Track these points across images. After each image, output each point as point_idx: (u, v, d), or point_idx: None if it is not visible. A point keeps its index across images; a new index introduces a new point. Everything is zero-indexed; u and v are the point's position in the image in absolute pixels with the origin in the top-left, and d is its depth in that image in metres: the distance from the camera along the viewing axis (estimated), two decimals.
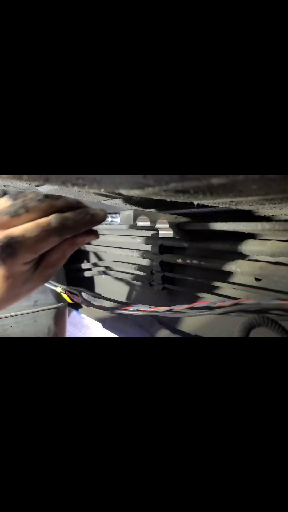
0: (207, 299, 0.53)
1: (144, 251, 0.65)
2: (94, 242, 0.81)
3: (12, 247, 0.29)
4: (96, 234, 0.37)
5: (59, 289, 0.63)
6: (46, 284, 0.67)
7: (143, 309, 0.49)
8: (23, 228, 0.30)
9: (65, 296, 0.63)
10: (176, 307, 0.47)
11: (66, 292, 0.61)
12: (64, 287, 0.62)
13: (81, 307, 0.91)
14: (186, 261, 0.55)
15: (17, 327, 0.69)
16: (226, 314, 0.42)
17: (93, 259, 0.89)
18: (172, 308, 0.47)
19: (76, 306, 0.90)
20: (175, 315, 0.47)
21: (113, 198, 0.42)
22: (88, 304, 0.55)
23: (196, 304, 0.45)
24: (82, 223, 0.33)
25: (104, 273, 0.82)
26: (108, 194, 0.40)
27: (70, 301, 0.65)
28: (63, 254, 0.35)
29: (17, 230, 0.30)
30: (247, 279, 0.48)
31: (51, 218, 0.31)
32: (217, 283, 0.52)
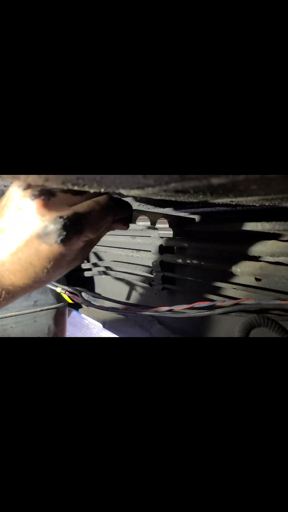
0: (207, 299, 0.53)
1: (144, 251, 0.65)
2: None
3: (81, 224, 0.28)
4: (128, 226, 0.37)
5: (59, 289, 0.63)
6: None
7: (143, 309, 0.49)
8: (86, 205, 0.30)
9: (65, 296, 0.63)
10: (176, 307, 0.47)
11: (66, 292, 0.61)
12: (64, 287, 0.62)
13: (81, 307, 0.91)
14: (186, 261, 0.55)
15: (17, 327, 0.69)
16: (226, 314, 0.42)
17: (93, 259, 0.89)
18: (172, 308, 0.47)
19: (76, 306, 0.90)
20: (175, 315, 0.47)
21: None
22: (88, 304, 0.55)
23: (196, 304, 0.45)
24: (128, 206, 0.33)
25: (104, 273, 0.82)
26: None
27: (70, 301, 0.65)
28: (101, 235, 0.35)
29: (82, 207, 0.29)
30: (247, 279, 0.48)
31: (107, 198, 0.31)
32: (217, 283, 0.52)
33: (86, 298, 0.59)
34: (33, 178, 0.26)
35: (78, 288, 0.63)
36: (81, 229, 0.28)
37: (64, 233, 0.27)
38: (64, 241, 0.28)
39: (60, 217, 0.27)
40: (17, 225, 0.28)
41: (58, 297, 0.76)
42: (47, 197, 0.28)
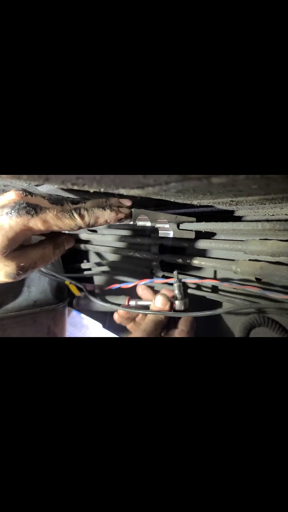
0: (207, 299, 0.53)
1: (144, 251, 0.65)
2: (94, 242, 0.81)
3: (35, 210, 0.33)
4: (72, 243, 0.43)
5: (67, 281, 0.63)
6: (48, 280, 0.67)
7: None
8: (50, 205, 0.35)
9: (72, 287, 0.63)
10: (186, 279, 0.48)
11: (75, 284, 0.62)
12: (71, 280, 0.62)
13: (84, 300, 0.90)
14: (186, 261, 0.55)
15: (17, 327, 0.68)
16: (227, 314, 0.42)
17: (93, 258, 0.89)
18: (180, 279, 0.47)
19: (76, 306, 0.90)
20: (175, 315, 0.47)
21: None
22: (93, 297, 0.56)
23: (205, 281, 0.45)
24: (100, 218, 0.37)
25: (104, 273, 0.82)
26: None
27: (77, 293, 0.65)
28: (56, 241, 0.40)
29: (45, 204, 0.34)
30: (247, 279, 0.48)
31: (71, 207, 0.35)
32: (217, 283, 0.51)
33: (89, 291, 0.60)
34: (32, 178, 0.26)
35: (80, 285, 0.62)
36: (34, 214, 0.33)
37: (17, 208, 0.32)
38: (12, 215, 0.32)
39: (23, 201, 0.33)
40: None
41: (58, 297, 0.75)
42: (25, 193, 0.34)
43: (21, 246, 0.35)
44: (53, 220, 0.34)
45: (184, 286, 0.51)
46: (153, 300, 0.47)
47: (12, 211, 0.32)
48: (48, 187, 0.44)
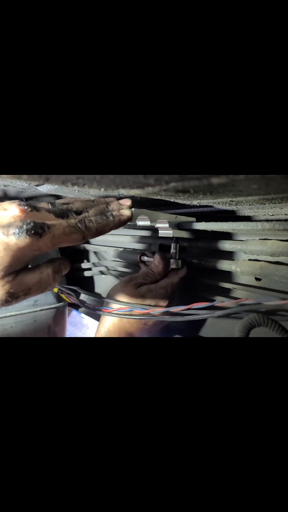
0: (207, 299, 0.53)
1: (144, 250, 0.65)
2: (94, 241, 0.81)
3: (43, 229, 0.31)
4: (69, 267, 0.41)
5: (55, 289, 0.62)
6: None
7: (138, 311, 0.47)
8: (56, 221, 0.33)
9: (64, 296, 0.62)
10: (173, 309, 0.44)
11: (63, 292, 0.60)
12: (60, 286, 0.60)
13: (80, 306, 0.90)
14: (186, 261, 0.55)
15: (17, 327, 0.68)
16: (226, 316, 0.42)
17: (93, 258, 0.89)
18: (168, 310, 0.45)
19: (76, 305, 0.90)
20: (173, 319, 0.46)
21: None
22: (83, 305, 0.54)
23: (194, 305, 0.43)
24: (106, 227, 0.36)
25: (104, 273, 0.82)
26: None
27: (68, 300, 0.64)
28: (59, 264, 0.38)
29: (51, 221, 0.33)
30: (247, 278, 0.48)
31: (80, 219, 0.35)
32: (217, 283, 0.52)
33: (79, 298, 0.58)
34: (33, 178, 0.26)
35: (72, 287, 0.61)
36: (41, 234, 0.31)
37: (25, 229, 0.30)
38: (20, 236, 0.30)
39: (30, 220, 0.31)
40: None
41: (58, 297, 0.75)
42: (30, 208, 0.32)
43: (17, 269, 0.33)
44: (61, 237, 0.32)
45: (180, 250, 0.53)
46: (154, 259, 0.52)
47: (20, 232, 0.30)
48: (49, 187, 0.44)
